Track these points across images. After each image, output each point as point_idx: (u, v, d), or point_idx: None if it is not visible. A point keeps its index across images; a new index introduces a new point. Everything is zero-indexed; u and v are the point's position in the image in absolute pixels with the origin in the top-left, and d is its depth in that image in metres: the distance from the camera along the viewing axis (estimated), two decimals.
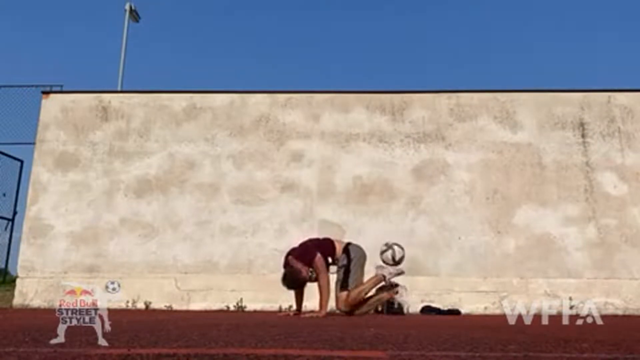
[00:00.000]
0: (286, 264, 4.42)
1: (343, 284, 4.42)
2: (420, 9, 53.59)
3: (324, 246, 4.52)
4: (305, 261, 4.30)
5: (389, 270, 4.63)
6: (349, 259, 4.46)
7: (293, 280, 4.31)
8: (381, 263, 4.69)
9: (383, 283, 4.64)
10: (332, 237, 4.74)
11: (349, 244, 4.64)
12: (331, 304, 4.44)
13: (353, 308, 4.43)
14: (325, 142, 6.47)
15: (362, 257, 4.57)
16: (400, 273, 4.69)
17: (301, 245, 4.55)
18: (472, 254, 6.01)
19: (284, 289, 4.42)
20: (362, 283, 4.50)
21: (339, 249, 4.54)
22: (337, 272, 4.50)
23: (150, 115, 6.66)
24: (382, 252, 4.71)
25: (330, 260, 4.52)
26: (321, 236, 4.89)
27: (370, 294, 4.60)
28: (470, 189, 6.24)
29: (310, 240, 4.62)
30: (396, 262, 4.66)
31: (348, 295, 4.40)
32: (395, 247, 4.68)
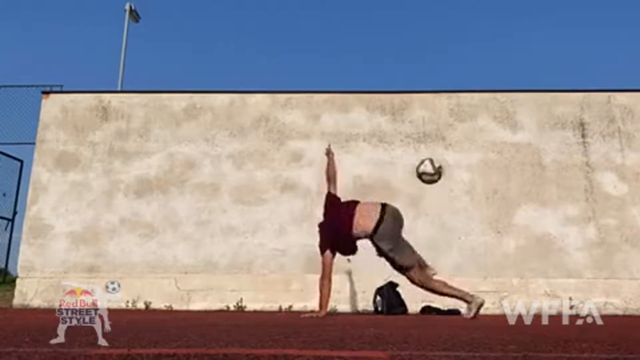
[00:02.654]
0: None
1: (399, 268, 3.95)
2: (420, 8, 53.61)
3: (335, 227, 3.99)
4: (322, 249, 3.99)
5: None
6: (379, 247, 3.89)
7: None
8: None
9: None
10: (362, 202, 4.07)
11: (380, 220, 3.92)
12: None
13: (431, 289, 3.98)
14: (325, 142, 6.45)
15: (389, 232, 3.93)
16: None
17: (321, 226, 4.13)
18: (472, 254, 6.01)
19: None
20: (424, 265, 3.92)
21: (364, 222, 3.94)
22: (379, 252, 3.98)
23: (150, 115, 6.66)
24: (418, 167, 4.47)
25: (354, 232, 3.97)
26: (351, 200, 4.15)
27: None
28: (470, 189, 6.24)
29: (330, 215, 4.07)
30: (420, 175, 4.38)
31: (425, 281, 3.93)
32: (426, 161, 4.42)
